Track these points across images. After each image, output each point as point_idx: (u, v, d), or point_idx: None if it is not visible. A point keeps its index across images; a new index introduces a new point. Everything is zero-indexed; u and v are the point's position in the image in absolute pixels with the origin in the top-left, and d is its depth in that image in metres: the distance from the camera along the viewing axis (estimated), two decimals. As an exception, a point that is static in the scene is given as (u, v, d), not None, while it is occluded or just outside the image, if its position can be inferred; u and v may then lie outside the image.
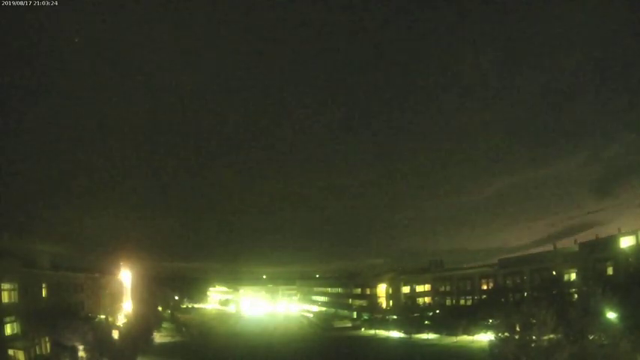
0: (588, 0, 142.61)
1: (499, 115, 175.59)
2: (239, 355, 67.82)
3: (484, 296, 77.47)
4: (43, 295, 55.33)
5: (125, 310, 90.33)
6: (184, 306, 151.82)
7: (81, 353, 52.42)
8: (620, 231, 61.07)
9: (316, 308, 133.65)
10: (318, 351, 70.43)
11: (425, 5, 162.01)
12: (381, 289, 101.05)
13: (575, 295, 53.01)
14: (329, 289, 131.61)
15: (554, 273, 66.79)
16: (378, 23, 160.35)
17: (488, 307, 64.83)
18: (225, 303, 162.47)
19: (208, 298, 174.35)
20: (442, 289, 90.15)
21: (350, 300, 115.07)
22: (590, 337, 38.96)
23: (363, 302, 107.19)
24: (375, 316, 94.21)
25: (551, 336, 39.69)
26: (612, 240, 60.61)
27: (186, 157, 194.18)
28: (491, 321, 56.78)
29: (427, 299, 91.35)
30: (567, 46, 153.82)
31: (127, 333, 58.59)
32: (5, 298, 46.56)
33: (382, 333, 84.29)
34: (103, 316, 71.43)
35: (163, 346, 72.08)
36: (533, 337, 39.71)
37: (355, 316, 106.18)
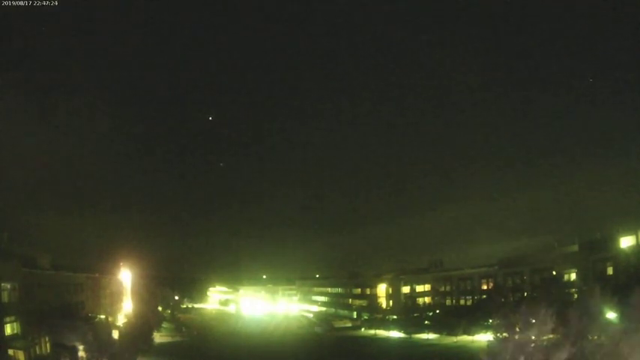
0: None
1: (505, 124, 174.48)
2: (239, 355, 67.88)
3: (484, 296, 77.41)
4: (44, 295, 55.38)
5: (125, 310, 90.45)
6: (184, 306, 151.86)
7: (81, 353, 52.40)
8: (620, 231, 60.95)
9: (316, 308, 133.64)
10: (317, 351, 70.46)
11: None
12: (381, 289, 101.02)
13: (575, 295, 53.02)
14: (329, 289, 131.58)
15: (554, 273, 66.77)
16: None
17: (488, 307, 64.75)
18: (225, 303, 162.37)
19: (208, 298, 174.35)
20: (442, 289, 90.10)
21: (350, 300, 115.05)
22: (590, 338, 38.93)
23: (363, 302, 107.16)
24: (375, 316, 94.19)
25: (551, 336, 39.67)
26: (612, 240, 60.50)
27: (187, 157, 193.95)
28: (491, 321, 56.70)
29: (427, 299, 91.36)
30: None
31: (127, 333, 58.66)
32: (5, 298, 46.64)
33: (382, 333, 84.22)
34: (103, 316, 71.52)
35: (163, 346, 72.10)
36: (533, 337, 39.65)
37: (355, 316, 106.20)
